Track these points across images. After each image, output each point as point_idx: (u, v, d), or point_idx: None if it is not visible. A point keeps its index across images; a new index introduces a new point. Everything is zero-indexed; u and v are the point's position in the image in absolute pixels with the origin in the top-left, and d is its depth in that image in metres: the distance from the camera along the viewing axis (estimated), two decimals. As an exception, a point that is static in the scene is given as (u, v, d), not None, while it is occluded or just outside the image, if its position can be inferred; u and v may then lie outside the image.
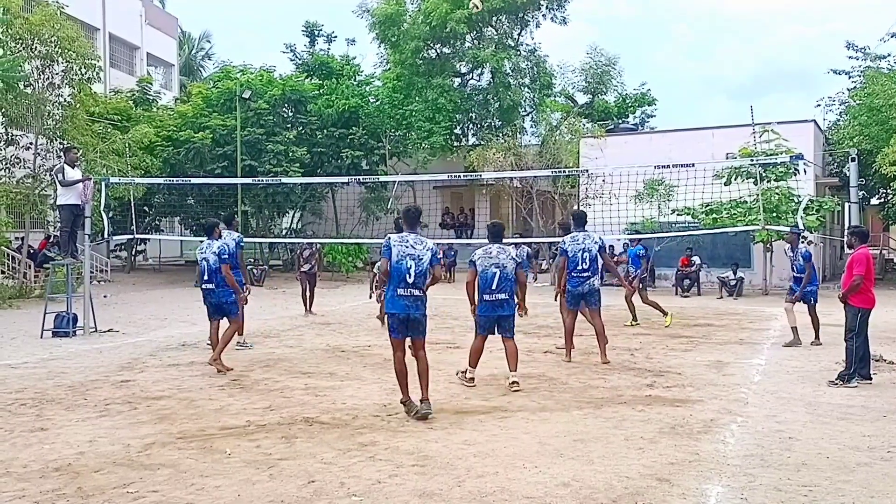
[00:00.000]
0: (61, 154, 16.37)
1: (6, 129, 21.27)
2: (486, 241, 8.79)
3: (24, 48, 19.87)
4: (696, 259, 22.19)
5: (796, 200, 19.13)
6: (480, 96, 31.97)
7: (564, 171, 23.98)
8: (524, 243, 18.24)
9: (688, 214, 21.14)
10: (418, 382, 7.06)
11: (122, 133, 23.18)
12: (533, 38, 33.06)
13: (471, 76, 33.10)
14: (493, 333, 8.50)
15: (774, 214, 18.71)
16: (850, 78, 30.13)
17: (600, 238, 10.37)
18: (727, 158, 20.49)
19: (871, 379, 8.72)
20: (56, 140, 21.39)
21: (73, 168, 13.28)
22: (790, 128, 21.70)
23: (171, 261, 35.07)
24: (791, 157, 14.79)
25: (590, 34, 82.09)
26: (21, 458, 5.83)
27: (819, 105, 32.15)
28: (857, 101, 26.50)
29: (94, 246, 18.61)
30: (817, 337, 11.57)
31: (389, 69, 32.07)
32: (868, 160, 24.07)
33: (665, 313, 13.76)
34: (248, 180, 22.03)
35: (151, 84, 31.46)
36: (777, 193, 19.75)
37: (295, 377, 9.12)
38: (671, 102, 75.12)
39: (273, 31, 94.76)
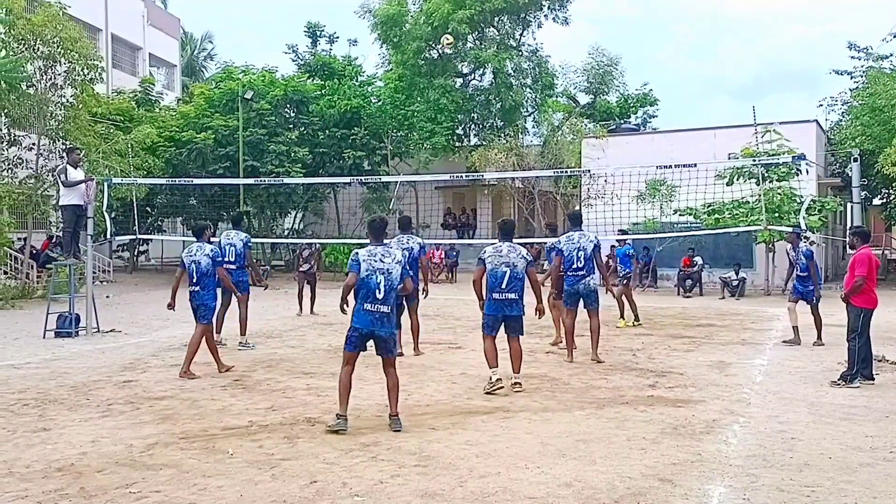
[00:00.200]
0: (64, 155, 16.39)
1: (9, 130, 21.29)
2: (497, 239, 8.60)
3: (26, 49, 19.90)
4: (699, 259, 22.18)
5: (798, 201, 19.09)
6: (482, 97, 32.00)
7: (566, 172, 23.99)
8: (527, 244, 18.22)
9: (690, 215, 21.13)
10: (388, 398, 6.82)
11: (125, 133, 23.20)
12: (535, 39, 33.16)
13: (473, 76, 33.14)
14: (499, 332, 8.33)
15: (776, 215, 18.69)
16: (852, 78, 30.13)
17: (596, 237, 10.39)
18: (729, 159, 20.46)
19: (873, 379, 8.72)
20: (58, 141, 21.41)
21: (75, 169, 13.31)
22: (792, 128, 21.68)
23: (173, 261, 34.96)
24: (793, 157, 14.78)
25: (591, 34, 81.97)
26: (24, 459, 5.84)
27: (821, 105, 32.19)
28: (860, 102, 26.47)
29: (97, 246, 18.61)
30: (819, 337, 11.56)
31: (391, 69, 32.10)
32: (870, 160, 24.03)
33: (622, 316, 14.01)
34: (251, 181, 22.07)
35: (154, 85, 31.50)
36: (779, 194, 19.73)
37: (297, 377, 9.13)
38: (673, 103, 75.13)
39: (275, 31, 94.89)
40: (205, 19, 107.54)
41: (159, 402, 7.81)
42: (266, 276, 24.08)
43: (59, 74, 20.58)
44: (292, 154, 25.99)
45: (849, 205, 12.06)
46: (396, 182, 25.58)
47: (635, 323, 14.02)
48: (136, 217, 16.51)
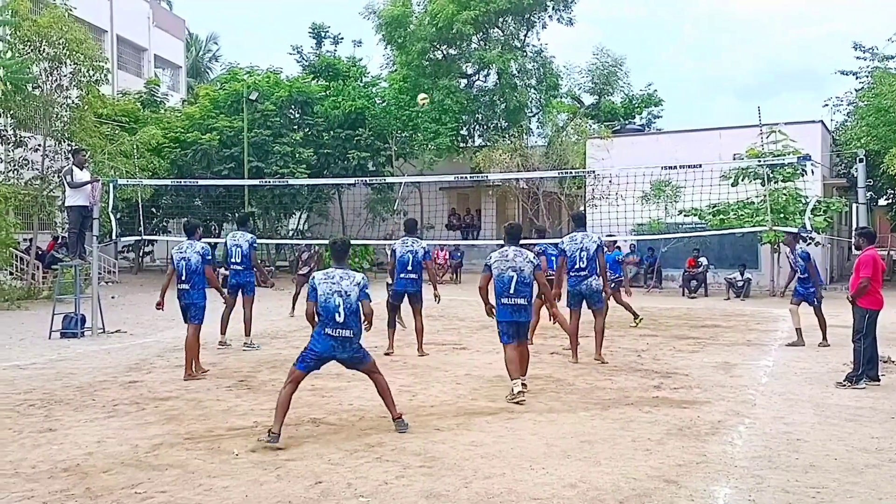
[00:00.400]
0: (70, 156, 16.44)
1: (14, 131, 21.37)
2: (502, 242, 8.41)
3: (32, 50, 19.96)
4: (704, 260, 22.16)
5: (804, 201, 19.07)
6: (487, 97, 31.99)
7: (571, 172, 23.98)
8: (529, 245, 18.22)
9: (695, 215, 21.10)
10: (384, 403, 6.70)
11: (130, 135, 23.26)
12: (539, 39, 33.11)
13: (477, 77, 33.12)
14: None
15: (782, 215, 18.65)
16: (857, 78, 30.04)
17: (599, 238, 10.35)
18: (734, 159, 20.43)
19: (879, 380, 8.70)
20: (64, 142, 21.49)
21: (81, 170, 13.34)
22: (797, 128, 21.63)
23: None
24: (798, 157, 14.76)
25: (596, 35, 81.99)
26: (30, 459, 5.86)
27: (826, 105, 32.09)
28: (865, 102, 26.40)
29: (102, 247, 18.68)
30: (825, 338, 11.54)
31: (396, 70, 32.11)
32: (876, 161, 23.99)
33: (636, 315, 14.05)
34: (255, 182, 22.08)
35: (159, 86, 31.57)
36: (784, 194, 19.69)
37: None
38: (678, 103, 74.74)
39: (280, 33, 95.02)
40: (210, 20, 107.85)
41: (164, 402, 7.83)
42: (271, 277, 24.16)
43: (65, 76, 20.64)
44: (297, 155, 26.02)
45: (854, 205, 12.05)
46: (401, 183, 25.59)
47: (637, 322, 13.99)
48: (141, 218, 16.54)
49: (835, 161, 28.07)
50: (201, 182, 21.47)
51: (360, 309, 6.42)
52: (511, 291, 7.87)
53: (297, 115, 29.00)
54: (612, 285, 14.18)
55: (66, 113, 21.18)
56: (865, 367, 8.60)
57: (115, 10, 34.51)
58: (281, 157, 25.79)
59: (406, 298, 10.97)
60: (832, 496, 5.05)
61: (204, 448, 6.11)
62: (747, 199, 19.97)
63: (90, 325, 13.09)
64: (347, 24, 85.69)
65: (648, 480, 5.31)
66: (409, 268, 10.81)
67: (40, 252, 22.48)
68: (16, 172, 21.57)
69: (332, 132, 28.13)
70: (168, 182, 22.13)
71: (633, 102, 35.36)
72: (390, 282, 11.19)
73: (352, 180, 22.95)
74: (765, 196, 17.21)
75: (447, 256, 27.24)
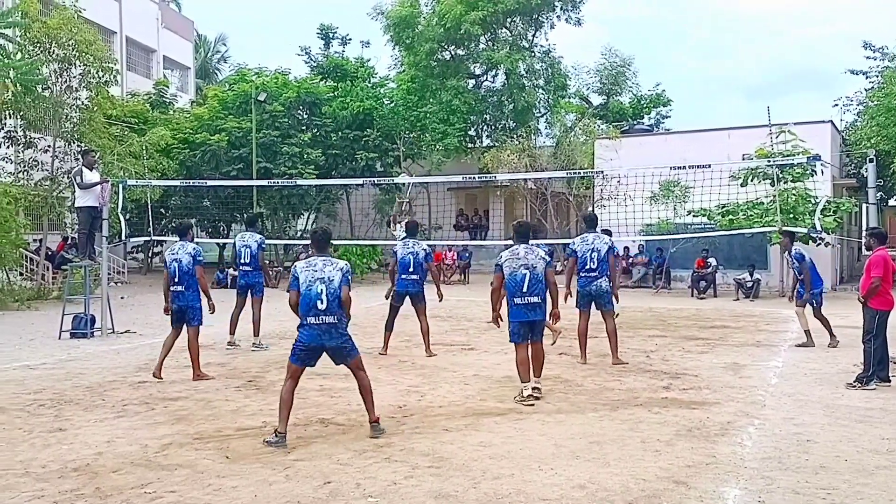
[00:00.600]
0: (79, 157, 16.51)
1: (24, 132, 21.48)
2: (511, 241, 8.33)
3: (42, 52, 20.08)
4: (713, 261, 22.09)
5: (813, 202, 18.99)
6: (495, 98, 31.97)
7: (579, 173, 23.94)
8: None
9: (704, 216, 21.03)
10: (364, 404, 6.59)
11: (139, 136, 23.35)
12: (547, 40, 33.07)
13: (485, 78, 33.12)
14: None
15: (791, 216, 18.58)
16: (867, 78, 29.91)
17: (610, 239, 10.35)
18: (743, 159, 20.36)
19: (889, 381, 8.65)
20: (74, 143, 21.60)
21: (90, 171, 13.39)
22: (807, 128, 21.55)
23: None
24: (808, 158, 14.69)
25: (604, 35, 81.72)
26: (40, 459, 5.89)
27: (836, 105, 31.98)
28: (875, 102, 26.27)
29: (112, 248, 18.73)
30: (832, 337, 11.48)
31: (404, 71, 32.13)
32: (886, 161, 23.87)
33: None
34: (264, 182, 22.15)
35: (168, 87, 31.69)
36: (794, 194, 19.62)
37: (310, 378, 9.09)
38: (686, 103, 74.77)
39: (288, 33, 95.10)
40: (218, 22, 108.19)
41: (174, 402, 7.86)
42: (279, 278, 24.22)
43: (75, 77, 20.74)
44: (305, 156, 26.06)
45: (864, 206, 11.94)
46: (409, 183, 25.59)
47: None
48: (150, 219, 16.59)
49: (844, 161, 27.94)
50: (210, 183, 21.54)
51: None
52: (524, 290, 7.74)
53: (305, 116, 29.05)
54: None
55: (75, 114, 21.29)
56: (876, 367, 8.56)
57: (124, 12, 34.68)
58: (289, 158, 25.84)
59: (409, 299, 10.98)
60: (842, 498, 5.02)
61: (213, 448, 6.13)
62: (756, 199, 19.89)
63: (100, 326, 13.14)
64: (355, 25, 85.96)
65: (658, 481, 5.30)
66: (411, 269, 10.81)
67: (50, 253, 22.59)
68: (26, 173, 21.68)
69: (340, 133, 28.17)
70: (177, 183, 22.19)
71: (642, 103, 35.27)
72: (392, 284, 11.14)
73: (360, 181, 22.96)
74: (774, 196, 17.13)
75: (455, 257, 27.24)
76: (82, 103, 21.34)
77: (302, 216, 31.43)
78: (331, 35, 34.48)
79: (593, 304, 10.12)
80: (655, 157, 21.02)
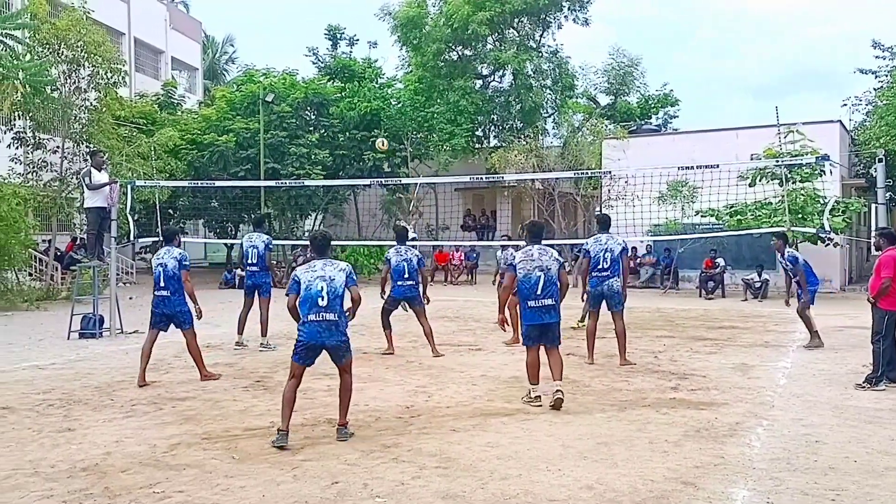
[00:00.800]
0: (88, 158, 16.56)
1: (34, 133, 21.57)
2: (524, 242, 8.17)
3: (51, 53, 20.17)
4: (721, 261, 22.03)
5: (822, 202, 18.93)
6: (502, 98, 31.98)
7: (587, 173, 23.92)
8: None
9: (712, 216, 20.99)
10: (339, 404, 6.56)
11: (148, 136, 23.45)
12: (555, 40, 33.09)
13: (492, 78, 33.14)
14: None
15: (800, 216, 18.53)
16: (876, 77, 29.80)
17: (623, 241, 10.35)
18: (752, 159, 20.31)
19: (899, 382, 8.61)
20: (82, 144, 21.68)
21: (99, 171, 13.43)
22: (815, 128, 21.48)
23: (194, 263, 35.24)
24: (817, 157, 14.64)
25: (611, 35, 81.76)
26: (49, 458, 5.91)
27: (845, 105, 31.88)
28: (885, 101, 26.18)
29: (120, 248, 18.82)
30: (812, 337, 11.43)
31: (411, 71, 32.17)
32: (895, 161, 23.77)
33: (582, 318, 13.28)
34: (271, 183, 22.18)
35: (176, 88, 31.81)
36: (802, 194, 19.55)
37: (318, 379, 9.12)
38: (694, 103, 74.57)
39: (296, 34, 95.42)
40: (226, 23, 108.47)
41: (182, 402, 7.87)
42: (285, 278, 24.28)
43: (83, 78, 20.82)
44: (313, 156, 26.10)
45: (873, 206, 11.91)
46: (416, 184, 25.62)
47: (580, 324, 13.52)
48: (158, 219, 16.63)
49: (853, 161, 27.84)
50: (218, 183, 21.60)
51: (347, 295, 6.37)
52: (539, 292, 7.54)
53: (312, 117, 29.10)
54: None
55: (84, 115, 21.37)
56: (885, 368, 8.52)
57: (132, 13, 34.81)
58: (297, 159, 25.89)
59: (405, 303, 11.04)
60: (851, 499, 5.00)
61: (221, 448, 6.14)
62: (765, 199, 19.84)
63: (108, 326, 13.19)
64: (363, 26, 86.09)
65: (665, 482, 5.28)
66: (406, 275, 10.87)
67: (59, 253, 22.68)
68: (35, 174, 21.77)
69: (347, 133, 28.21)
70: (185, 183, 22.26)
71: (649, 103, 35.23)
72: (383, 291, 11.14)
73: (367, 181, 22.96)
74: (782, 196, 17.08)
75: (462, 257, 27.23)
76: (91, 104, 21.42)
77: (309, 216, 31.47)
78: (338, 36, 34.52)
79: (603, 304, 10.13)
80: (663, 157, 20.99)
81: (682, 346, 11.74)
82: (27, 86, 18.52)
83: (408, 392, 8.29)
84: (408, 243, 11.32)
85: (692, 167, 13.81)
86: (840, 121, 25.50)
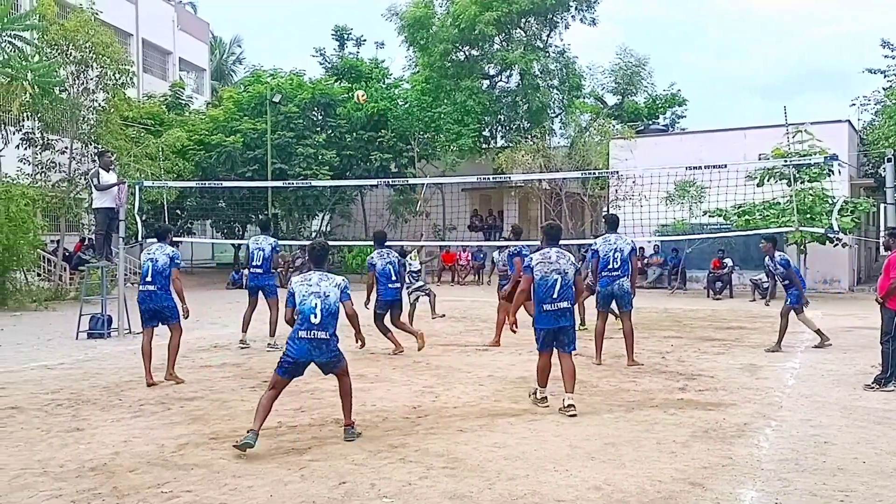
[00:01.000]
0: (96, 158, 16.63)
1: (42, 134, 21.67)
2: (540, 243, 8.11)
3: (59, 54, 20.25)
4: (728, 261, 21.97)
5: (830, 202, 18.86)
6: (509, 98, 31.94)
7: (594, 173, 23.89)
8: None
9: (719, 216, 20.94)
10: (342, 406, 6.50)
11: (156, 137, 23.51)
12: (562, 40, 32.98)
13: (499, 78, 33.08)
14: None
15: (808, 216, 18.46)
16: (885, 77, 29.65)
17: (632, 241, 10.34)
18: (760, 159, 20.25)
19: (908, 383, 8.57)
20: (91, 144, 21.77)
21: (107, 172, 13.47)
22: (824, 128, 21.40)
23: (202, 263, 35.50)
24: (825, 157, 14.59)
25: (618, 35, 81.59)
26: (58, 458, 5.93)
27: (854, 105, 31.72)
28: (894, 101, 26.06)
29: (128, 249, 18.86)
30: (779, 344, 11.35)
31: (418, 72, 32.15)
32: (904, 161, 23.65)
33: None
34: (279, 183, 22.22)
35: (184, 89, 31.91)
36: (811, 194, 19.49)
37: (325, 379, 9.08)
38: (702, 103, 74.29)
39: (303, 35, 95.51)
40: (234, 23, 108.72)
41: (190, 402, 7.89)
42: (288, 277, 24.32)
43: (92, 79, 20.91)
44: (320, 157, 26.15)
45: (882, 206, 11.88)
46: (423, 184, 25.63)
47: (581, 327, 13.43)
48: (166, 220, 16.72)
49: (862, 161, 27.72)
50: (225, 184, 21.66)
51: (341, 310, 6.32)
52: (555, 296, 7.41)
53: (319, 117, 29.15)
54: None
55: (92, 116, 21.46)
56: (894, 369, 8.48)
57: (140, 14, 34.93)
58: (304, 159, 25.94)
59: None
60: (860, 500, 4.98)
61: (229, 448, 6.14)
62: (773, 199, 19.78)
63: (116, 326, 13.24)
64: (370, 27, 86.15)
65: (673, 483, 5.27)
66: (394, 278, 11.12)
67: (67, 253, 22.77)
68: (43, 175, 21.87)
69: (354, 134, 28.25)
70: (193, 184, 22.32)
71: (657, 102, 35.16)
72: (368, 298, 11.23)
73: (374, 182, 22.99)
74: (791, 196, 17.03)
75: (469, 257, 27.22)
76: (99, 105, 21.51)
77: (317, 217, 31.54)
78: (345, 36, 34.57)
79: (613, 304, 10.14)
80: (671, 157, 20.97)
81: (690, 347, 11.72)
82: (36, 87, 18.59)
83: (415, 392, 8.29)
84: (407, 244, 11.46)
85: (700, 167, 13.77)
86: (849, 120, 25.41)
